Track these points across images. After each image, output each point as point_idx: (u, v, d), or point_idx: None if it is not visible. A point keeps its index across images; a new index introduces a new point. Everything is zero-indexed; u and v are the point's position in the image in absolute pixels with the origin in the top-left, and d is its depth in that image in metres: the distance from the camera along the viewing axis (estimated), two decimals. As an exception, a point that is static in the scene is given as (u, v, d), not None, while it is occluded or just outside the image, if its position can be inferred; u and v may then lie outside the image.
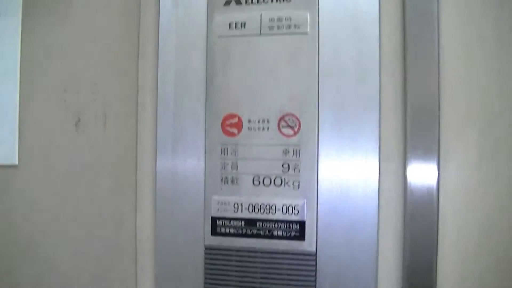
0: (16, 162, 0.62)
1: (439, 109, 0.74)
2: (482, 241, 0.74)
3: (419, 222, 0.73)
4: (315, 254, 0.77)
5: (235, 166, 0.79)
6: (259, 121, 0.78)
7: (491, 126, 0.74)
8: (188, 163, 0.81)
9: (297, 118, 0.77)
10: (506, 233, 0.73)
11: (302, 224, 0.77)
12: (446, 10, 0.75)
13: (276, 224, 0.78)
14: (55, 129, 0.68)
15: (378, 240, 0.75)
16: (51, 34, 0.67)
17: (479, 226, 0.74)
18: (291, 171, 0.77)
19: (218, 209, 0.80)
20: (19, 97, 0.62)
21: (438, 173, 0.73)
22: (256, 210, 0.78)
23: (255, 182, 0.78)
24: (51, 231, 0.68)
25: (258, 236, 0.78)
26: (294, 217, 0.77)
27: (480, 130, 0.74)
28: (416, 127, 0.74)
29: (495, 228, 0.74)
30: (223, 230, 0.80)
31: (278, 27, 0.78)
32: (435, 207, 0.73)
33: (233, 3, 0.80)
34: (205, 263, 0.80)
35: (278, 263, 0.78)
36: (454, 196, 0.74)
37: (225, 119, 0.80)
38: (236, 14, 0.80)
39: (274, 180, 0.78)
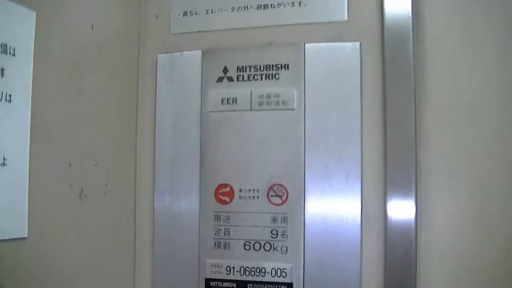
0: (26, 235, 0.67)
1: (416, 166, 0.79)
2: (460, 271, 0.80)
3: (398, 278, 0.79)
4: (302, 314, 0.81)
5: (227, 232, 0.84)
6: (249, 191, 0.84)
7: (467, 172, 0.80)
8: (184, 229, 0.86)
9: (285, 188, 0.83)
10: (482, 262, 0.79)
11: (290, 285, 0.82)
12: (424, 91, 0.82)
13: (266, 286, 0.83)
14: (60, 201, 0.73)
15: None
16: (59, 116, 0.72)
17: (457, 259, 0.80)
18: (279, 237, 0.82)
19: (211, 271, 0.85)
20: (29, 173, 0.67)
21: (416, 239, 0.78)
22: (247, 273, 0.83)
23: (246, 247, 0.84)
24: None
25: (249, 297, 0.83)
26: (282, 279, 0.82)
27: (455, 176, 0.81)
28: (396, 189, 0.79)
29: (472, 259, 0.79)
30: (216, 291, 0.84)
31: (267, 103, 0.84)
32: (413, 269, 0.78)
33: (225, 80, 0.86)
34: (200, 323, 0.85)
35: (268, 323, 0.82)
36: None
37: (218, 188, 0.85)
38: (228, 90, 0.86)
39: (264, 245, 0.83)
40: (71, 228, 0.75)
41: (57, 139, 0.72)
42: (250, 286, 0.83)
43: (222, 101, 0.86)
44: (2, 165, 0.63)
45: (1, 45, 0.63)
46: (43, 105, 0.69)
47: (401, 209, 0.78)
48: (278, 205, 0.83)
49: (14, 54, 0.65)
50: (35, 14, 0.68)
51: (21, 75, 0.66)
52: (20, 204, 0.66)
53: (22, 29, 0.67)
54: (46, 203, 0.70)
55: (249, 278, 0.83)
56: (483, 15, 0.81)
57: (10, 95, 0.64)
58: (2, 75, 0.63)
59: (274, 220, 0.83)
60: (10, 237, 0.65)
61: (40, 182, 0.69)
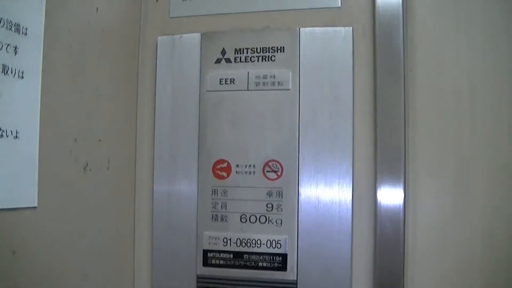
0: (36, 204, 0.70)
1: (405, 147, 0.84)
2: (444, 250, 0.85)
3: (388, 253, 0.83)
4: (296, 283, 0.86)
5: (224, 206, 0.89)
6: (246, 166, 0.88)
7: (457, 167, 0.85)
8: (182, 203, 0.90)
9: (280, 164, 0.87)
10: (464, 241, 0.84)
11: (284, 256, 0.86)
12: (413, 69, 0.86)
13: (261, 256, 0.87)
14: (67, 174, 0.77)
15: (352, 268, 0.85)
16: (65, 94, 0.76)
17: (441, 237, 0.85)
18: (274, 210, 0.87)
19: (209, 243, 0.89)
20: (39, 148, 0.71)
21: (404, 212, 0.83)
22: (243, 244, 0.87)
23: (242, 219, 0.88)
24: (65, 264, 0.77)
25: (245, 267, 0.88)
26: (277, 250, 0.86)
27: (441, 159, 0.85)
28: (385, 169, 0.84)
29: (455, 237, 0.84)
30: (213, 261, 0.89)
31: (264, 84, 0.88)
32: (402, 243, 0.83)
33: (223, 61, 0.90)
34: (197, 291, 0.89)
35: (263, 291, 0.87)
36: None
37: (216, 164, 0.89)
38: (226, 71, 0.90)
39: (259, 218, 0.87)
40: (76, 199, 0.79)
41: (64, 116, 0.76)
42: (246, 257, 0.87)
43: (220, 81, 0.89)
44: (15, 138, 0.66)
45: (15, 25, 0.66)
46: (52, 83, 0.72)
47: (390, 183, 0.83)
48: (273, 180, 0.87)
49: (26, 34, 0.68)
50: (45, -5, 0.71)
51: (32, 53, 0.69)
52: (30, 175, 0.69)
53: (34, 10, 0.70)
54: (54, 175, 0.74)
55: (245, 249, 0.87)
56: (471, 2, 0.86)
57: (23, 72, 0.67)
58: (15, 53, 0.66)
59: (270, 194, 0.87)
60: (21, 206, 0.68)
61: (49, 155, 0.72)
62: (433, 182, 0.85)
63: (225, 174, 0.88)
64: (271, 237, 0.86)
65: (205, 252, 0.89)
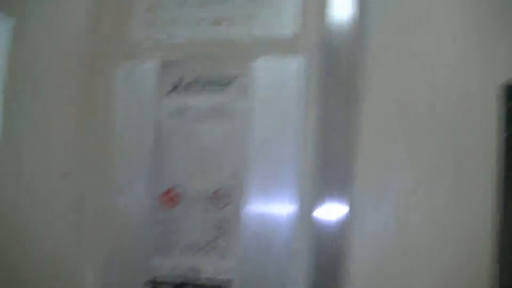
0: None
1: (349, 171, 0.85)
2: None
3: (328, 271, 0.84)
4: (242, 309, 0.86)
5: (171, 233, 0.90)
6: (195, 194, 0.89)
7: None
8: (130, 228, 0.92)
9: (228, 193, 0.88)
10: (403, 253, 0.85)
11: (229, 282, 0.87)
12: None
13: (207, 284, 0.88)
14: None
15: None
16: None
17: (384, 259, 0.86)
18: (220, 237, 0.88)
19: (155, 271, 0.90)
20: None
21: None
22: (190, 272, 0.88)
23: (189, 247, 0.89)
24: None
25: (192, 294, 0.88)
26: (223, 276, 0.87)
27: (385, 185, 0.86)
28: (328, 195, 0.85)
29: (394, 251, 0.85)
30: (160, 290, 0.89)
31: (217, 113, 0.90)
32: (343, 263, 0.84)
33: (179, 89, 0.92)
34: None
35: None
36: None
37: (165, 192, 0.91)
38: (181, 99, 0.92)
39: (206, 246, 0.88)
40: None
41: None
42: (192, 285, 0.88)
43: (175, 109, 0.91)
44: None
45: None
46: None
47: (332, 212, 0.84)
48: (221, 208, 0.88)
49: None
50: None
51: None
52: None
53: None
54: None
55: (191, 276, 0.88)
56: (422, 31, 0.87)
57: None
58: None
59: (217, 222, 0.88)
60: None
61: None
62: (375, 203, 0.86)
63: (174, 202, 0.90)
64: (217, 264, 0.87)
65: (152, 280, 0.90)
